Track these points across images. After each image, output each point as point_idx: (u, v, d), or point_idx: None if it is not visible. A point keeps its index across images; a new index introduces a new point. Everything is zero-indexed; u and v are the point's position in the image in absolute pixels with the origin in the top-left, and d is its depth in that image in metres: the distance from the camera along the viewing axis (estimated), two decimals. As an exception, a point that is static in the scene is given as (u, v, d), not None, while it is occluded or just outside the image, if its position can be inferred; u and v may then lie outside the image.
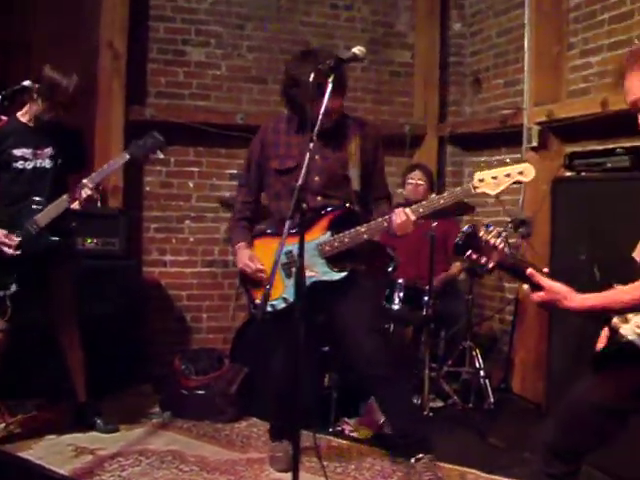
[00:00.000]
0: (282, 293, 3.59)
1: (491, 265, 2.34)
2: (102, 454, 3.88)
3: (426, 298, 4.55)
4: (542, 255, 4.61)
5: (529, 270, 2.27)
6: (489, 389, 4.74)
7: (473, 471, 3.75)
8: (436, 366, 4.81)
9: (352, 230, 3.48)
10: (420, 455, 3.58)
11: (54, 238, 3.86)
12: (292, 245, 3.46)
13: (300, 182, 2.76)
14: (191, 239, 5.77)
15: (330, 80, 2.89)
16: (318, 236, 3.56)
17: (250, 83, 5.88)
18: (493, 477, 3.68)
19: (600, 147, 4.35)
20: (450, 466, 3.77)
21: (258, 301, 3.66)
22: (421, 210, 3.40)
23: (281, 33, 5.91)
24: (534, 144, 4.92)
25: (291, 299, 3.53)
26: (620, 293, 2.18)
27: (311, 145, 2.80)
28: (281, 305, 3.58)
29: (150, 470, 3.72)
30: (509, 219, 5.04)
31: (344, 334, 3.64)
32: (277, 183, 3.67)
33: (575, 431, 2.36)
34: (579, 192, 3.85)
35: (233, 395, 4.52)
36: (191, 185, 5.77)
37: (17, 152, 3.87)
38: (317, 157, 3.56)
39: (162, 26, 5.64)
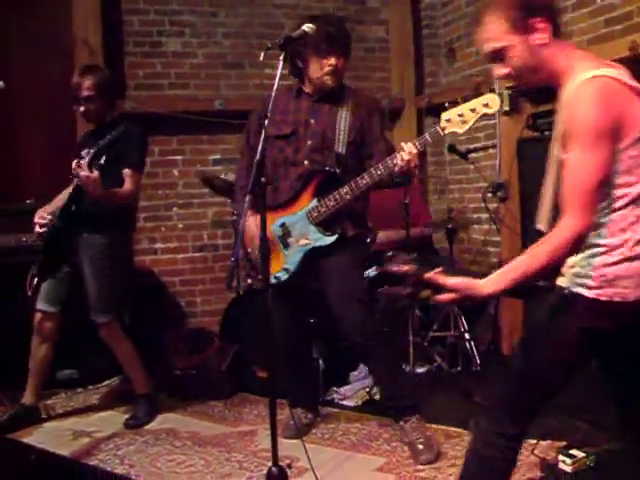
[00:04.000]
0: (283, 264, 3.70)
1: (409, 290, 2.32)
2: (99, 436, 4.02)
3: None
4: (518, 217, 4.72)
5: (426, 275, 2.22)
6: (475, 352, 4.82)
7: (457, 429, 3.86)
8: (422, 332, 4.92)
9: (335, 193, 3.56)
10: (408, 417, 3.69)
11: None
12: (285, 217, 3.68)
13: (258, 157, 2.85)
14: (180, 225, 5.89)
15: (281, 58, 2.97)
16: (307, 204, 3.65)
17: (228, 69, 5.97)
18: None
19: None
20: (434, 426, 3.88)
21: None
22: (421, 141, 3.37)
23: (254, 17, 6.00)
24: (506, 108, 4.98)
25: (292, 269, 3.67)
26: (534, 254, 2.13)
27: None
28: (284, 276, 3.70)
29: (145, 447, 3.86)
30: (486, 184, 5.15)
31: (334, 302, 3.71)
32: (273, 149, 3.74)
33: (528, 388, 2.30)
34: (543, 150, 3.92)
35: (225, 372, 4.64)
36: (176, 173, 5.88)
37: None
38: (312, 121, 3.71)
39: (136, 19, 5.73)
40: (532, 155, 3.98)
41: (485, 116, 3.32)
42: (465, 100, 3.28)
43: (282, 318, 3.81)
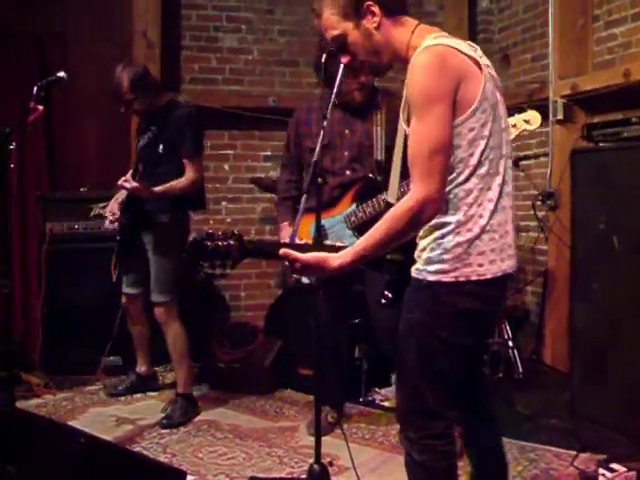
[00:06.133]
0: None
1: (231, 262, 2.25)
2: (142, 424, 4.11)
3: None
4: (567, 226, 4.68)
5: (282, 251, 2.20)
6: (518, 360, 4.81)
7: (496, 436, 3.85)
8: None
9: (374, 199, 3.60)
10: None
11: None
12: (324, 220, 3.59)
13: (315, 158, 2.89)
14: (228, 220, 5.94)
15: (343, 61, 2.98)
16: (346, 208, 3.71)
17: (282, 66, 6.02)
18: (515, 442, 3.76)
19: (623, 117, 4.39)
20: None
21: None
22: None
23: (310, 16, 5.99)
24: (559, 117, 4.96)
25: None
26: (378, 225, 2.09)
27: (324, 123, 2.92)
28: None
29: (186, 437, 3.92)
30: (537, 192, 5.13)
31: (370, 307, 3.77)
32: (311, 160, 3.76)
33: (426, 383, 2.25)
34: (597, 162, 3.90)
35: (268, 368, 4.68)
36: (226, 168, 5.94)
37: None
38: (347, 131, 3.76)
39: (194, 14, 5.80)
40: (585, 165, 3.95)
41: (525, 132, 3.34)
42: (515, 111, 3.29)
43: (322, 316, 3.81)
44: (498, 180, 2.15)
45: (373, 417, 4.22)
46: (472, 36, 6.28)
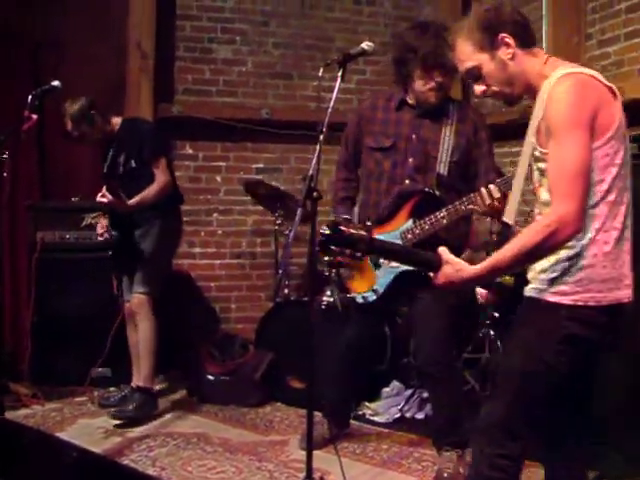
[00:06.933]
0: (372, 285, 3.60)
1: (360, 253, 2.22)
2: (131, 436, 4.06)
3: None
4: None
5: (441, 249, 2.24)
6: (508, 375, 4.78)
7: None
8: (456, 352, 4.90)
9: (432, 216, 3.41)
10: (449, 448, 3.59)
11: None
12: (379, 235, 3.41)
13: (311, 172, 2.88)
14: (219, 232, 5.92)
15: (339, 75, 2.99)
16: (402, 224, 3.53)
17: (276, 79, 6.02)
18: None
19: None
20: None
21: (355, 294, 3.68)
22: (504, 183, 2.98)
23: (305, 29, 6.04)
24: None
25: (381, 290, 3.56)
26: (507, 246, 2.11)
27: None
28: (372, 297, 3.60)
29: (176, 450, 3.89)
30: (529, 210, 5.13)
31: (417, 326, 3.67)
32: (370, 161, 3.68)
33: (521, 403, 2.26)
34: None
35: (258, 381, 4.65)
36: (219, 179, 5.92)
37: None
38: (414, 137, 3.59)
39: (188, 25, 5.80)
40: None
41: None
42: None
43: (352, 333, 3.82)
44: (623, 210, 2.20)
45: (363, 432, 4.20)
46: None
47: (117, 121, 4.41)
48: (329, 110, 2.94)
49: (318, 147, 2.90)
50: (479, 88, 2.35)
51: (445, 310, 3.58)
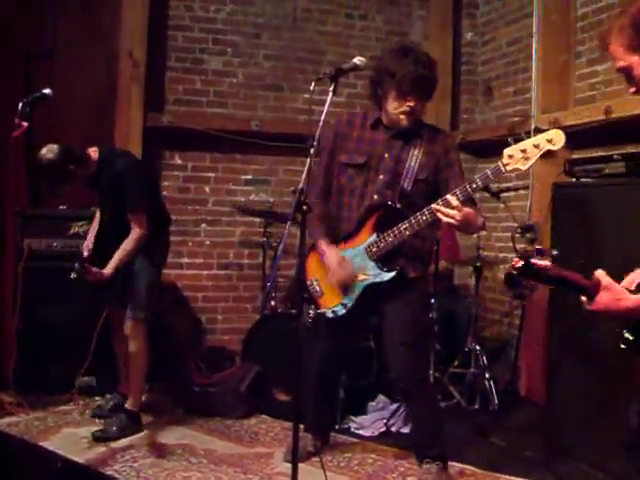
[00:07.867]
0: (341, 299, 3.65)
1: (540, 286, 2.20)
2: (115, 446, 4.03)
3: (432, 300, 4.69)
4: (547, 259, 4.70)
5: (599, 271, 2.10)
6: (494, 391, 4.82)
7: (471, 468, 3.86)
8: (442, 367, 4.92)
9: (394, 228, 3.47)
10: (429, 460, 3.68)
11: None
12: (345, 251, 3.61)
13: (301, 185, 2.89)
14: (207, 242, 5.93)
15: (330, 89, 3.01)
16: (366, 238, 3.58)
17: (266, 91, 6.04)
18: (489, 473, 3.79)
19: (604, 153, 4.44)
20: (450, 463, 3.86)
21: (325, 309, 3.69)
22: (458, 193, 3.24)
23: (297, 42, 6.07)
24: (539, 151, 5.00)
25: (350, 304, 3.61)
26: None
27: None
28: (342, 311, 3.64)
29: (160, 462, 3.86)
30: (516, 225, 5.15)
31: (387, 345, 3.72)
32: (342, 177, 3.70)
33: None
34: (578, 197, 3.95)
35: (243, 393, 4.63)
36: (207, 190, 5.93)
37: None
38: (386, 155, 3.63)
39: (180, 35, 5.82)
40: (567, 200, 4.00)
41: (549, 153, 3.17)
42: (528, 135, 3.20)
43: (324, 346, 3.82)
44: None
45: (348, 445, 4.20)
46: (456, 67, 6.37)
47: (95, 155, 4.18)
48: (320, 123, 2.95)
49: (309, 160, 2.91)
50: (630, 89, 2.27)
51: (410, 325, 3.65)
